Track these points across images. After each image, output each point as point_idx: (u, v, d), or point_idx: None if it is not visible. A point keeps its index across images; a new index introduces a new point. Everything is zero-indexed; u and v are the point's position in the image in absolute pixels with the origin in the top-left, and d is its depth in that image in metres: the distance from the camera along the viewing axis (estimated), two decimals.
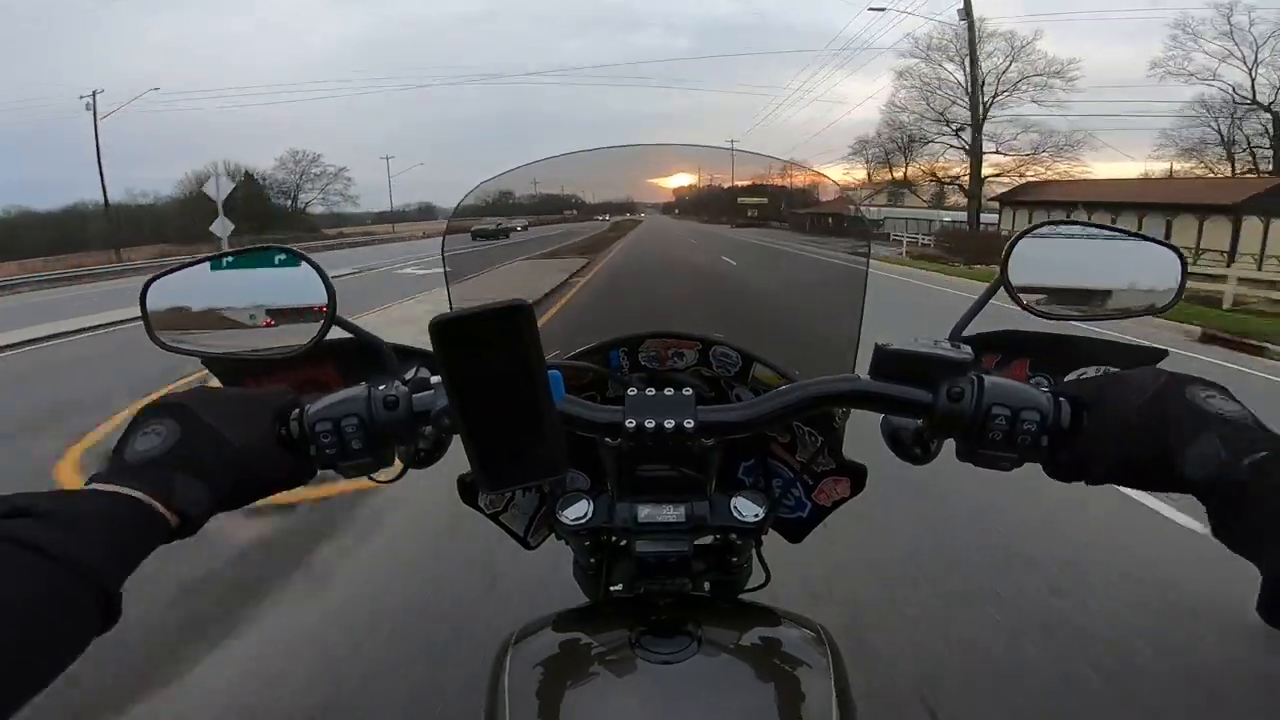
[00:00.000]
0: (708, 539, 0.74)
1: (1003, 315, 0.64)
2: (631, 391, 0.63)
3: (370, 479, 0.59)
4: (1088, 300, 0.64)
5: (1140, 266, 0.62)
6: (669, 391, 0.63)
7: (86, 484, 0.45)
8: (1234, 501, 0.40)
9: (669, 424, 0.60)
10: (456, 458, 0.63)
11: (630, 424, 0.60)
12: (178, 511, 0.46)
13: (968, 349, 0.57)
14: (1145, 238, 0.62)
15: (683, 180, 1.07)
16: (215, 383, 0.66)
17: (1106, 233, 0.62)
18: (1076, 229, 0.63)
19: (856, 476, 0.80)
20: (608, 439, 0.64)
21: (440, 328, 0.43)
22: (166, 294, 0.61)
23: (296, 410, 0.55)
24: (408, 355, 0.66)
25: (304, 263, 0.60)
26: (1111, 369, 0.63)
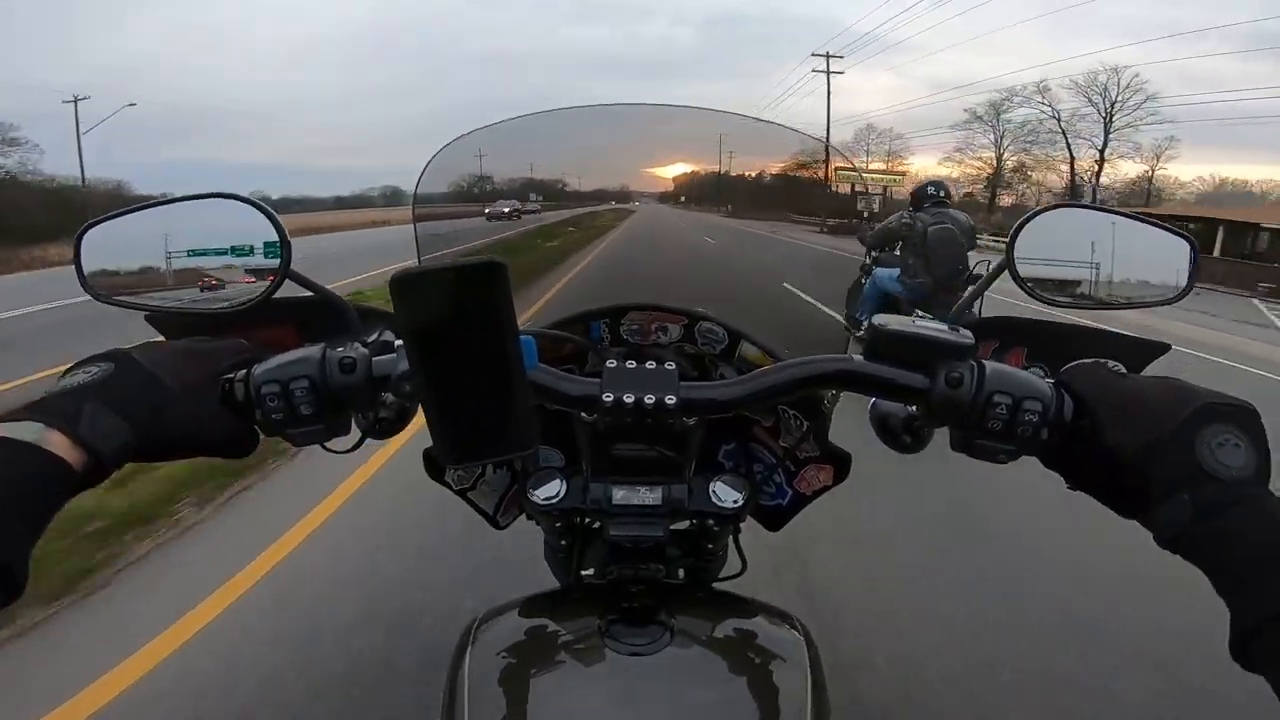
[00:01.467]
0: (683, 524, 0.71)
1: None
2: (611, 363, 0.59)
3: (324, 448, 0.55)
4: (1095, 288, 0.61)
5: (1152, 255, 0.59)
6: (650, 365, 0.59)
7: None
8: (1195, 557, 0.42)
9: (649, 399, 0.56)
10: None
11: (608, 398, 0.56)
12: (84, 446, 0.41)
13: (968, 333, 0.53)
14: (1158, 224, 0.59)
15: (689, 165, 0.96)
16: None
17: (1117, 218, 0.59)
18: (1087, 213, 0.60)
19: (841, 464, 0.77)
20: (583, 414, 0.60)
21: (402, 283, 0.39)
22: (104, 243, 0.57)
23: (244, 371, 0.51)
24: (372, 317, 0.62)
25: (257, 211, 0.55)
26: (1115, 364, 0.60)
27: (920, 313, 0.70)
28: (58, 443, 0.41)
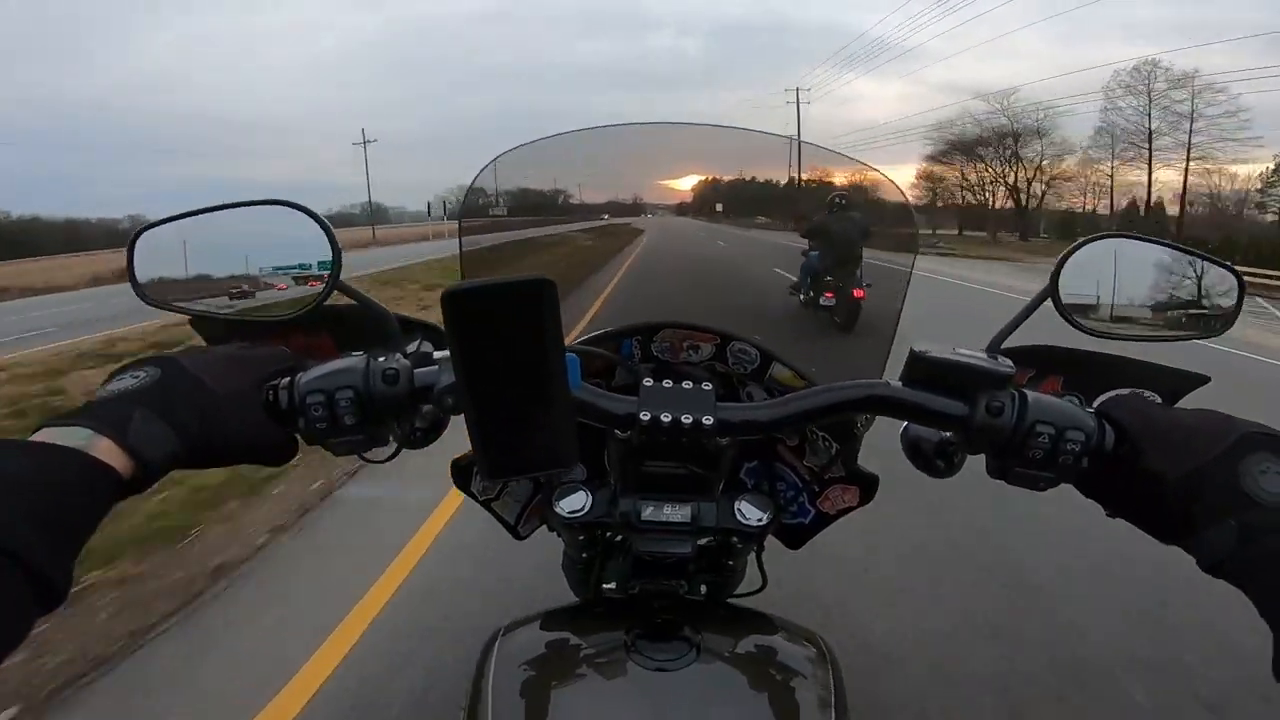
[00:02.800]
0: (707, 540, 0.71)
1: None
2: (647, 382, 0.59)
3: (361, 458, 0.55)
4: (1138, 318, 0.61)
5: (1196, 286, 0.59)
6: (687, 385, 0.59)
7: (37, 428, 0.41)
8: (1240, 581, 0.42)
9: (687, 419, 0.56)
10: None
11: (645, 417, 0.56)
12: (132, 453, 0.41)
13: (1008, 361, 0.53)
14: (1204, 256, 0.59)
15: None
16: None
17: (1163, 248, 0.59)
18: (1134, 243, 0.59)
19: (867, 486, 0.77)
20: (617, 431, 0.60)
21: (453, 299, 0.40)
22: (156, 247, 0.57)
23: (287, 378, 0.52)
24: (410, 327, 0.63)
25: (308, 218, 0.56)
26: (1151, 394, 0.60)
27: (827, 277, 0.83)
28: (106, 449, 0.41)
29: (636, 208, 1.03)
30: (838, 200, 0.84)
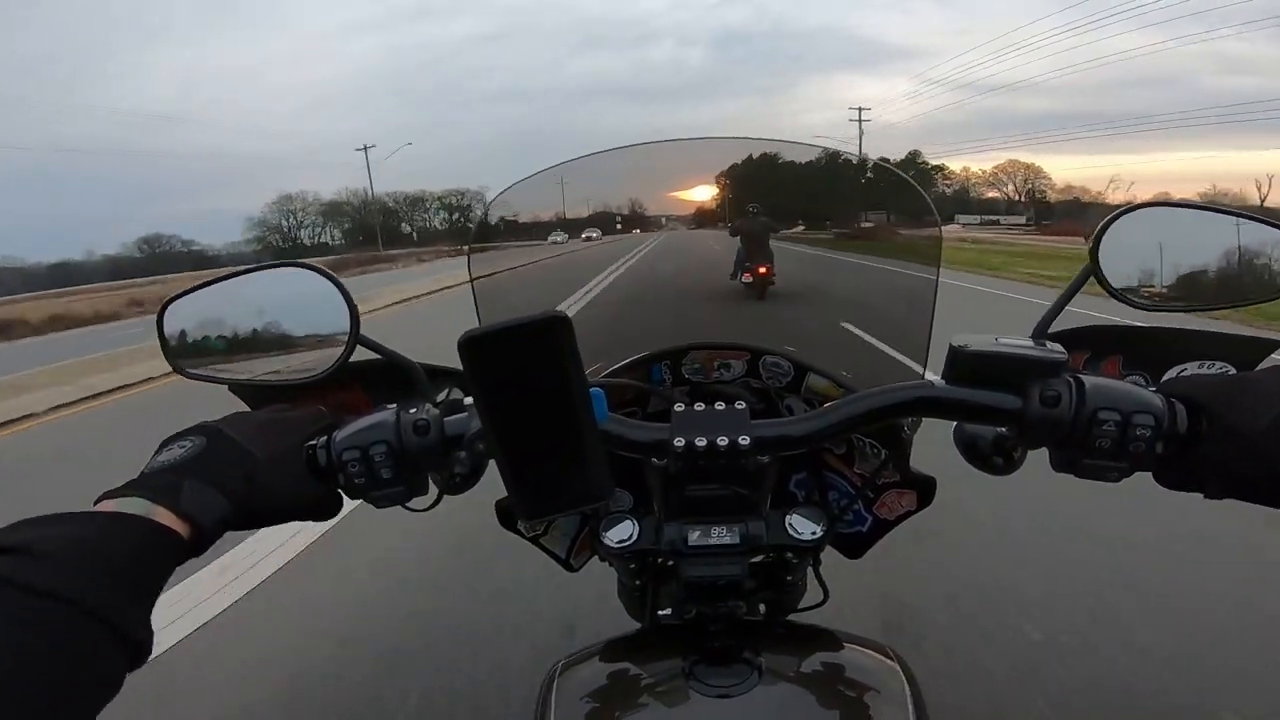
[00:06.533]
0: (760, 557, 0.69)
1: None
2: (678, 407, 0.58)
3: (404, 508, 0.55)
4: (1188, 288, 0.57)
5: (1247, 250, 0.56)
6: (719, 406, 0.58)
7: (96, 501, 0.43)
8: None
9: (721, 441, 0.54)
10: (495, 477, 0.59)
11: (679, 443, 0.55)
12: (188, 520, 0.43)
13: (1057, 346, 0.51)
14: (1252, 217, 0.55)
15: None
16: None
17: (1208, 213, 0.56)
18: (1174, 210, 0.56)
19: (924, 489, 0.74)
20: (654, 459, 0.59)
21: (470, 345, 0.39)
22: (184, 317, 0.59)
23: (324, 437, 0.52)
24: (440, 375, 0.63)
25: (325, 280, 0.56)
26: (1222, 364, 0.57)
27: (747, 263, 1.10)
28: (163, 517, 0.42)
29: (634, 221, 1.18)
30: (751, 210, 1.08)
